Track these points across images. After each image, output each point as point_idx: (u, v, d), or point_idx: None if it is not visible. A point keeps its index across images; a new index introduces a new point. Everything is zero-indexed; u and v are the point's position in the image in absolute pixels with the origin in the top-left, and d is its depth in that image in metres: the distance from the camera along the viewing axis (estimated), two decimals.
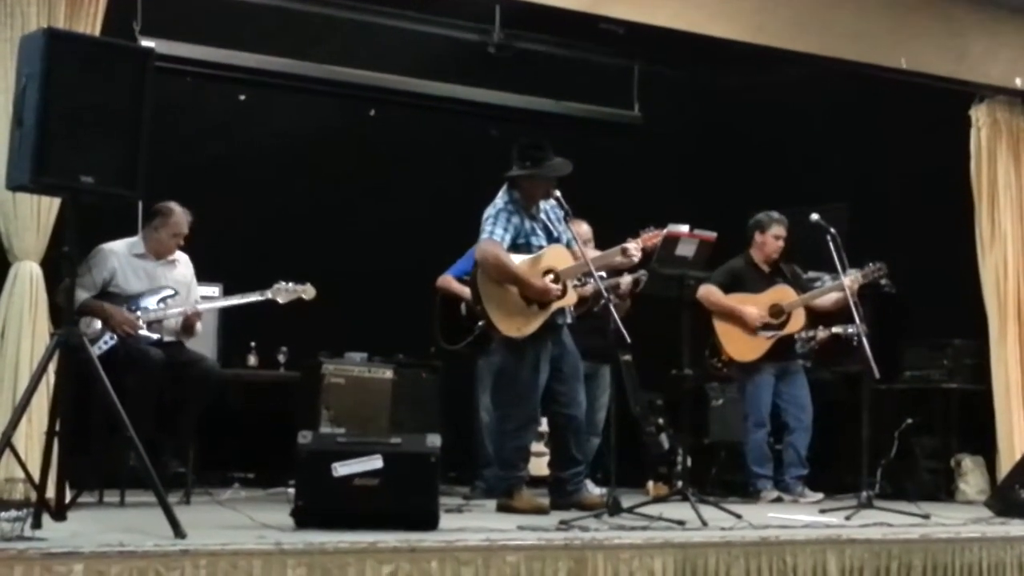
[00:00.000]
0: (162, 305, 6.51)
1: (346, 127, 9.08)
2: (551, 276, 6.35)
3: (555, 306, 6.34)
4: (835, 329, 8.00)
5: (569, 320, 6.53)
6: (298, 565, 4.26)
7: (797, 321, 7.89)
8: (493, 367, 7.05)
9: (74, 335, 4.76)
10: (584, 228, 7.44)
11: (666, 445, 8.31)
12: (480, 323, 6.63)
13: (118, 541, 4.21)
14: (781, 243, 8.02)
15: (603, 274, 7.00)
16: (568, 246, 6.48)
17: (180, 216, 6.64)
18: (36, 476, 4.72)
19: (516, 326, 6.28)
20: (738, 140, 9.95)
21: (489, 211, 6.42)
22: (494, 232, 6.29)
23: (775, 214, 8.05)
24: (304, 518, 5.00)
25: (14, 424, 4.68)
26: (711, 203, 8.57)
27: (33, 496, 4.66)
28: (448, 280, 7.45)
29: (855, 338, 7.01)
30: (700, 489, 7.06)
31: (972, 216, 8.40)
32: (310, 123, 8.92)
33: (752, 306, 7.87)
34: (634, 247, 6.48)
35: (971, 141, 8.42)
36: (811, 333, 8.09)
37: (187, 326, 6.58)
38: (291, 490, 5.26)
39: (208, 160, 8.39)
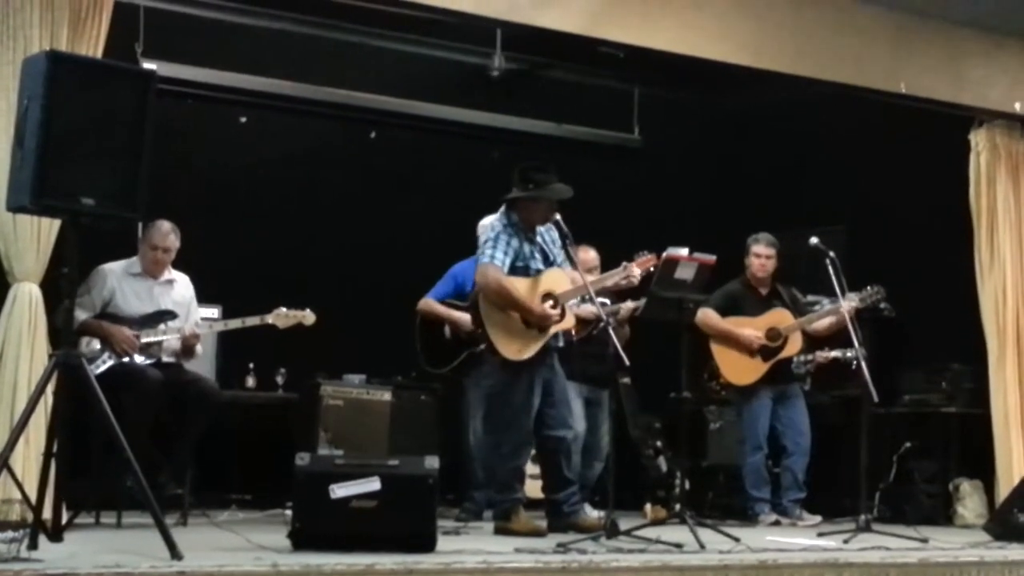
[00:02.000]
0: (162, 326, 6.50)
1: (346, 149, 9.11)
2: (550, 300, 6.36)
3: (554, 330, 6.35)
4: (834, 353, 8.01)
5: (562, 344, 6.53)
6: None
7: (794, 345, 7.88)
8: (481, 390, 7.06)
9: (72, 356, 4.75)
10: (591, 255, 7.45)
11: (664, 468, 8.32)
12: (482, 346, 6.65)
13: (115, 562, 4.21)
14: (764, 261, 8.00)
15: (606, 300, 7.02)
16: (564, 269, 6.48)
17: (159, 229, 6.59)
18: (33, 497, 4.71)
19: (516, 349, 6.28)
20: (738, 163, 9.98)
21: (488, 233, 6.42)
22: (495, 256, 6.27)
23: (761, 234, 8.06)
24: (301, 540, 5.00)
25: (12, 445, 4.68)
26: (711, 226, 8.59)
27: (30, 517, 4.66)
28: (431, 303, 7.41)
29: (854, 362, 7.02)
30: (698, 512, 7.06)
31: (971, 240, 8.41)
32: (311, 145, 8.95)
33: (749, 329, 7.87)
34: (636, 272, 6.50)
35: (970, 165, 8.44)
36: (810, 356, 8.09)
37: (186, 348, 6.58)
38: (288, 512, 5.26)
39: (209, 182, 8.41)
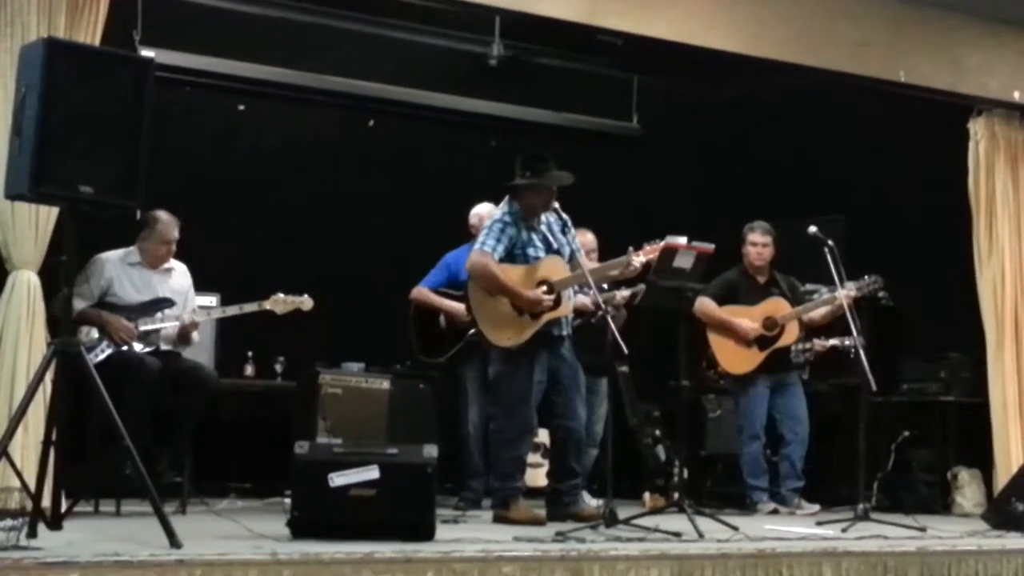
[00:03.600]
0: (159, 315, 6.51)
1: (345, 137, 9.09)
2: (545, 287, 6.36)
3: (548, 316, 6.34)
4: (832, 341, 8.00)
5: (567, 331, 6.53)
6: (293, 575, 4.26)
7: (791, 333, 7.88)
8: (477, 379, 7.06)
9: (71, 344, 4.76)
10: (589, 238, 7.45)
11: (663, 457, 8.33)
12: (472, 333, 6.66)
13: (114, 551, 4.22)
14: (761, 249, 8.01)
15: (604, 285, 7.00)
16: (572, 258, 6.48)
17: (167, 224, 6.62)
18: (32, 485, 4.71)
19: (507, 336, 6.30)
20: (736, 152, 9.97)
21: (484, 220, 6.46)
22: (485, 243, 6.32)
23: (756, 223, 8.06)
24: (300, 528, 5.01)
25: (10, 433, 4.69)
26: (709, 215, 8.58)
27: (29, 505, 4.66)
28: (424, 292, 7.41)
29: (852, 350, 7.01)
30: (696, 501, 7.06)
31: (970, 229, 8.41)
32: (309, 133, 8.94)
33: (746, 319, 7.87)
34: (638, 260, 6.49)
35: (969, 154, 8.43)
36: (808, 345, 8.09)
37: (183, 336, 6.58)
38: (287, 500, 5.25)
39: (207, 170, 8.40)
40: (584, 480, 7.12)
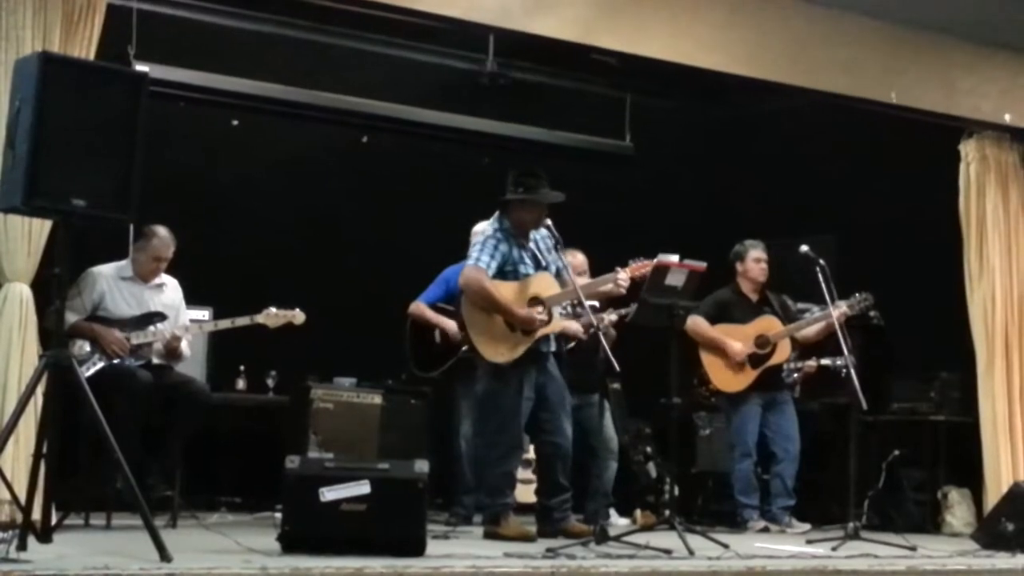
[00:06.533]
0: (151, 328, 6.51)
1: (338, 154, 9.11)
2: (538, 305, 6.37)
3: (540, 333, 6.35)
4: (823, 360, 8.03)
5: (554, 348, 6.53)
6: None
7: (783, 352, 7.90)
8: (470, 394, 7.07)
9: (63, 357, 4.76)
10: (580, 258, 7.46)
11: (653, 474, 8.33)
12: (464, 349, 6.67)
13: (104, 564, 4.21)
14: (764, 265, 8.04)
15: (596, 303, 7.02)
16: (558, 275, 6.49)
17: (163, 240, 6.62)
18: (23, 498, 4.71)
19: (501, 352, 6.30)
20: (728, 171, 10.00)
21: (478, 237, 6.46)
22: (480, 259, 6.31)
23: (750, 240, 8.09)
24: (291, 543, 5.01)
25: (1, 445, 4.67)
26: (701, 233, 8.60)
27: (19, 518, 4.66)
28: (421, 308, 7.42)
29: (843, 370, 7.02)
30: (687, 518, 7.07)
31: (960, 250, 8.45)
32: (303, 149, 8.95)
33: (738, 337, 7.88)
34: (623, 276, 6.50)
35: (960, 175, 8.47)
36: (799, 364, 8.10)
37: (170, 350, 6.56)
38: (278, 515, 5.26)
39: (200, 184, 8.42)
40: (606, 499, 7.15)
